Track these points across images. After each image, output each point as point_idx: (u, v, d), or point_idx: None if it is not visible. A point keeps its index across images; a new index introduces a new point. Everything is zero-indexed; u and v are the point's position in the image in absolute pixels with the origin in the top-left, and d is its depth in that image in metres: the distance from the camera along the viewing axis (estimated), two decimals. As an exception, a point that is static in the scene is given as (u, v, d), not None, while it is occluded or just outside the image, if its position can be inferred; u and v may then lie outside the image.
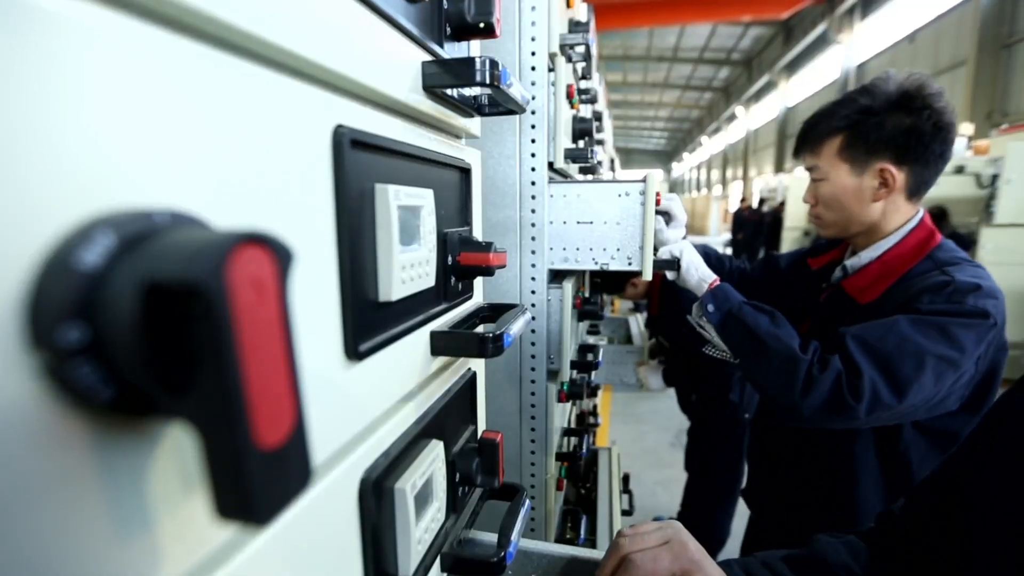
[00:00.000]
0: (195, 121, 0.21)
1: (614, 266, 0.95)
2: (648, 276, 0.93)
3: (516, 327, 0.48)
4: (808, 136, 1.00)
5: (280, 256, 0.20)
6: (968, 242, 4.64)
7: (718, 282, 1.00)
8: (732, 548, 2.18)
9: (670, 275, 1.05)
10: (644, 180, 0.92)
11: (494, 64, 0.41)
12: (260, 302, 0.19)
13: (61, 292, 0.16)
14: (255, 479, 0.18)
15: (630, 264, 0.94)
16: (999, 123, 7.27)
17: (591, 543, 1.17)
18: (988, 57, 7.77)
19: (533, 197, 0.90)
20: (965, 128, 5.65)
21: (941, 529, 0.54)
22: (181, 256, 0.16)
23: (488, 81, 0.41)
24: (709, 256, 1.31)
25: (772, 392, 0.89)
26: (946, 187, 4.98)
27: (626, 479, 1.58)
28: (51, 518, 0.16)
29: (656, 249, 1.00)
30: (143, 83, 0.19)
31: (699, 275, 1.02)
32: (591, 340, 1.59)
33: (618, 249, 0.95)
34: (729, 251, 8.60)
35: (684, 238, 1.14)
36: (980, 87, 7.85)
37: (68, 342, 0.16)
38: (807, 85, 13.45)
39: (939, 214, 4.70)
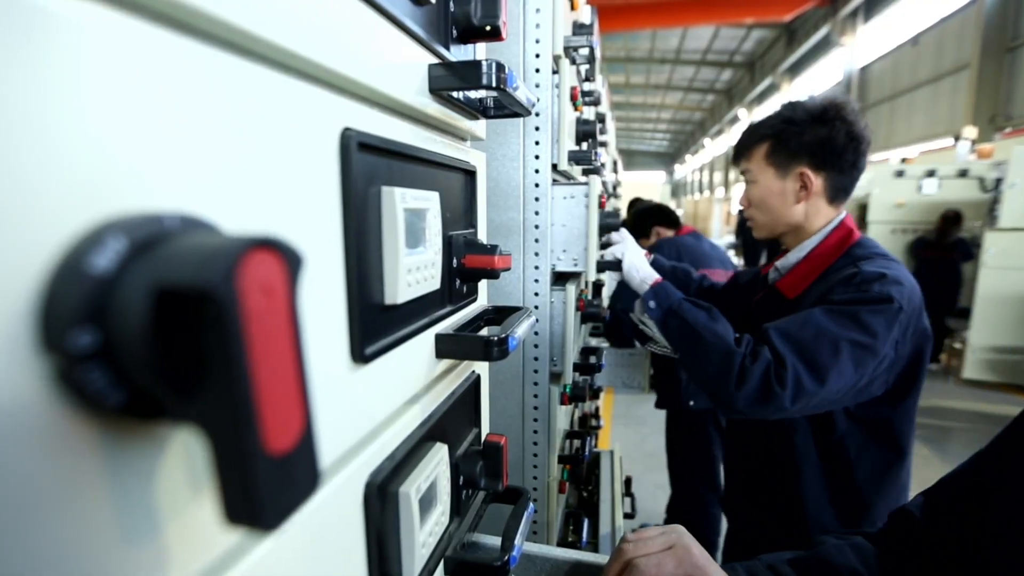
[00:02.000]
0: (204, 123, 0.21)
1: (561, 267, 1.00)
2: (592, 277, 0.99)
3: (521, 330, 0.48)
4: (742, 143, 1.12)
5: (290, 260, 0.20)
6: (970, 246, 4.62)
7: (660, 281, 1.06)
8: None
9: (615, 275, 1.12)
10: (587, 183, 0.96)
11: (500, 67, 0.41)
12: (270, 307, 0.19)
13: (72, 296, 0.16)
14: (263, 485, 0.18)
15: (575, 265, 0.99)
16: (1003, 127, 7.25)
17: (593, 546, 1.17)
18: (991, 60, 7.76)
19: (536, 199, 0.90)
20: (968, 132, 5.63)
21: (965, 530, 0.53)
22: (192, 261, 0.16)
23: (495, 84, 0.40)
24: (676, 271, 1.40)
25: (710, 385, 0.94)
26: (950, 190, 4.97)
27: (628, 482, 1.58)
28: (61, 522, 0.16)
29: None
30: (154, 86, 0.19)
31: (641, 275, 1.09)
32: (593, 342, 1.59)
33: (564, 250, 0.99)
34: (732, 254, 8.57)
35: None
36: (983, 90, 7.83)
37: (79, 347, 0.16)
38: (810, 88, 13.43)
39: (954, 217, 4.70)
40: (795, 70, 13.90)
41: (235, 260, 0.17)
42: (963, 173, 4.93)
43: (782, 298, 1.08)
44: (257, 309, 0.18)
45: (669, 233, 2.31)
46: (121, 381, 0.17)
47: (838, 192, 1.04)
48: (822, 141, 1.00)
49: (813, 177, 1.02)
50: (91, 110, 0.17)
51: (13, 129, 0.15)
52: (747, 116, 17.35)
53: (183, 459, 0.21)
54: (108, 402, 0.17)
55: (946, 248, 4.71)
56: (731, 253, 8.69)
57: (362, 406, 0.35)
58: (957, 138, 5.70)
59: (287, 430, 0.20)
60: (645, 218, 2.38)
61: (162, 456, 0.20)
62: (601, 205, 0.99)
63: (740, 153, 1.13)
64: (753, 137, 1.09)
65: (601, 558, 0.59)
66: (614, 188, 3.26)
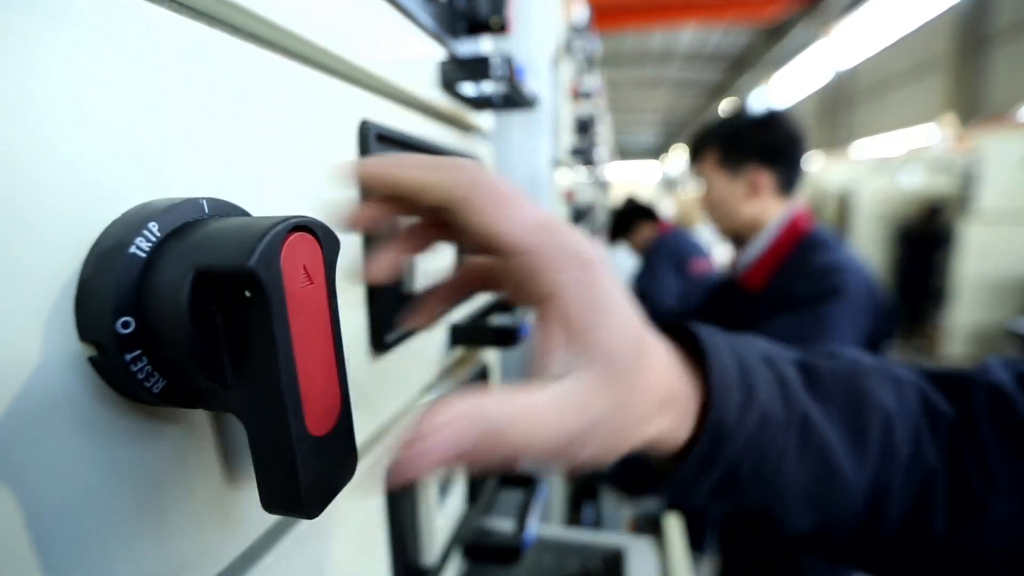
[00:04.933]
0: (231, 114, 0.22)
1: None
2: None
3: (530, 318, 0.49)
4: (694, 149, 1.23)
5: (328, 244, 0.20)
6: (944, 238, 4.65)
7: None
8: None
9: None
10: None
11: (510, 61, 0.42)
12: (310, 289, 0.19)
13: (110, 283, 0.15)
14: (308, 469, 0.18)
15: None
16: (976, 118, 7.34)
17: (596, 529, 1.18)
18: (966, 53, 7.86)
19: (538, 193, 0.91)
20: (945, 123, 5.69)
21: None
22: (233, 244, 0.16)
23: (505, 78, 0.41)
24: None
25: None
26: (928, 182, 5.03)
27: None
28: (101, 512, 0.16)
29: None
30: (183, 75, 0.19)
31: None
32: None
33: None
34: (728, 248, 8.65)
35: None
36: (959, 83, 7.94)
37: (118, 334, 0.15)
38: (793, 85, 13.54)
39: (936, 210, 4.75)
40: (777, 66, 13.98)
41: (278, 242, 0.16)
42: (937, 165, 4.98)
43: (746, 292, 1.17)
44: (298, 291, 0.18)
45: (649, 229, 2.33)
46: (161, 368, 0.17)
47: (786, 186, 1.15)
48: (765, 143, 1.13)
49: (762, 175, 1.13)
50: (130, 101, 0.17)
51: (57, 121, 0.15)
52: (728, 111, 17.41)
53: (218, 447, 0.21)
54: (148, 390, 0.16)
55: (929, 239, 4.77)
56: (726, 247, 8.75)
57: (382, 394, 0.35)
58: (934, 129, 5.76)
59: (328, 413, 0.20)
60: (627, 217, 2.43)
61: (198, 444, 0.20)
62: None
63: (693, 159, 1.24)
64: (703, 144, 1.21)
65: (609, 538, 0.60)
66: (605, 183, 3.27)
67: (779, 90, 14.43)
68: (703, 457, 0.30)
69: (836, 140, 11.77)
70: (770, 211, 1.16)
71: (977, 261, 4.32)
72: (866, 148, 9.04)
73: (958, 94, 7.97)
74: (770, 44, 12.94)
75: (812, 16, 10.42)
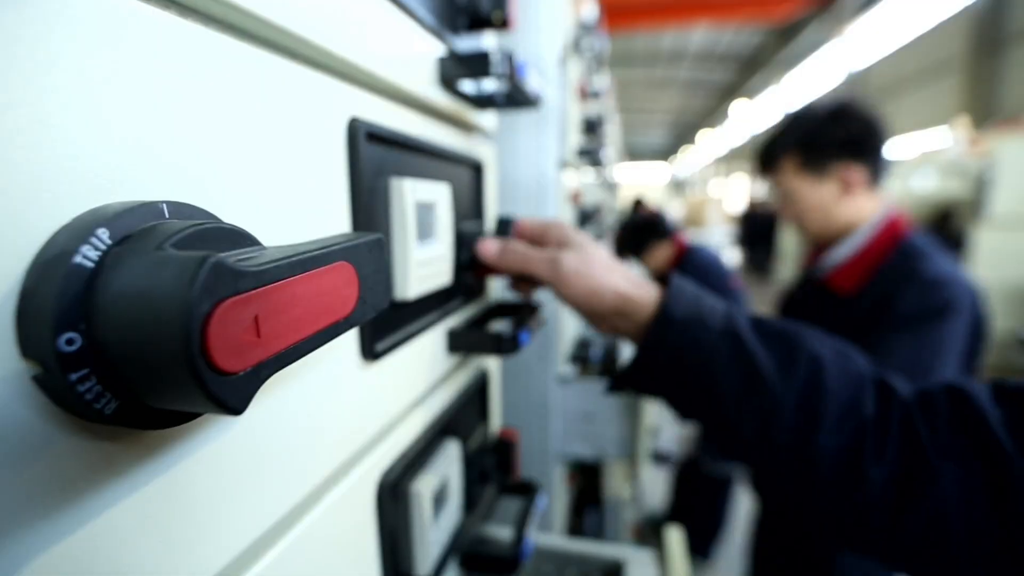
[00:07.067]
0: (205, 111, 0.20)
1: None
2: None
3: (532, 324, 0.47)
4: (766, 159, 1.14)
5: None
6: (956, 244, 4.58)
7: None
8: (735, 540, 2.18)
9: None
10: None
11: (510, 58, 0.40)
12: None
13: (52, 296, 0.14)
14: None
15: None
16: (991, 121, 7.23)
17: (598, 536, 1.16)
18: (981, 55, 7.75)
19: (544, 195, 0.89)
20: (959, 125, 5.61)
21: None
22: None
23: (505, 75, 0.40)
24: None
25: None
26: (942, 186, 4.96)
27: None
28: (53, 542, 0.15)
29: None
30: (151, 70, 0.18)
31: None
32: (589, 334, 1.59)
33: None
34: (736, 249, 8.66)
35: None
36: (973, 86, 7.83)
37: (60, 352, 0.14)
38: (807, 86, 13.41)
39: (945, 216, 4.68)
40: (790, 66, 13.87)
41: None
42: (953, 169, 4.92)
43: (834, 294, 1.09)
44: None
45: (665, 248, 2.09)
46: (113, 388, 0.15)
47: (876, 177, 1.07)
48: (847, 136, 1.04)
49: (852, 170, 1.04)
50: (87, 96, 0.16)
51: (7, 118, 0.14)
52: (745, 115, 17.31)
53: (189, 465, 0.20)
54: (99, 411, 0.15)
55: (941, 244, 4.72)
56: (735, 247, 8.81)
57: (373, 404, 0.34)
58: (947, 132, 5.69)
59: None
60: (638, 233, 2.17)
61: (168, 464, 0.19)
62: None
63: (766, 169, 1.16)
64: (777, 150, 1.11)
65: (609, 549, 0.59)
66: (613, 184, 3.24)
67: (791, 91, 14.32)
68: (655, 333, 0.44)
69: (848, 142, 11.63)
70: (865, 209, 1.07)
71: (990, 268, 4.26)
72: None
73: (972, 96, 7.87)
74: (782, 44, 12.85)
75: (825, 16, 10.33)
